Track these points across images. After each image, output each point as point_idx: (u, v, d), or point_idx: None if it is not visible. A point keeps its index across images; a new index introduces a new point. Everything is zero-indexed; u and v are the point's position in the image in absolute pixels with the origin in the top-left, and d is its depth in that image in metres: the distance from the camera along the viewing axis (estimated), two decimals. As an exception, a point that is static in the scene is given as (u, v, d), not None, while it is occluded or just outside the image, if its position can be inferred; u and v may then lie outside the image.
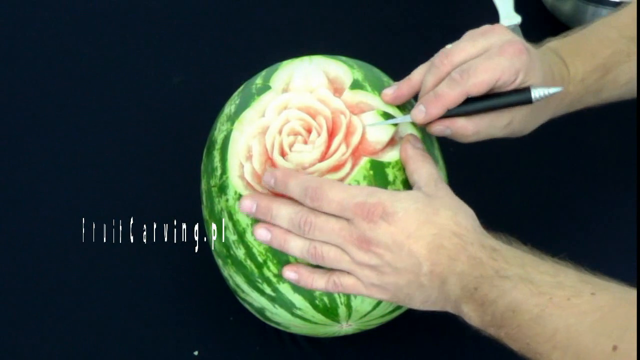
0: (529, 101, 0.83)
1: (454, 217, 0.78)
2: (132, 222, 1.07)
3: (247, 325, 0.96)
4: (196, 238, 0.99)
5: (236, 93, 0.93)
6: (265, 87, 0.89)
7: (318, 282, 0.81)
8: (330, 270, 0.81)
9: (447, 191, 0.81)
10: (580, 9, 1.15)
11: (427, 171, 0.82)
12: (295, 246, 0.81)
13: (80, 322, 0.99)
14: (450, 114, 0.84)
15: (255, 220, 0.83)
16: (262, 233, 0.81)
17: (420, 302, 0.79)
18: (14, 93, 1.20)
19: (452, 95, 0.82)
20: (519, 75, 0.82)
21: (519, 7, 1.21)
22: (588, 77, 0.89)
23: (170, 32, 1.25)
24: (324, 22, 1.25)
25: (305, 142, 0.85)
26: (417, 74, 0.87)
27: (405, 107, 0.89)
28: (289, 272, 0.82)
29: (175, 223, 1.05)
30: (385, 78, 0.92)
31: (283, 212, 0.81)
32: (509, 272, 0.74)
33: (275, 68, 0.91)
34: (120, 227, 1.06)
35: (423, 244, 0.77)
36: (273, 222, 0.81)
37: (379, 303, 0.84)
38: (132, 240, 1.05)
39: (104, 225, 1.06)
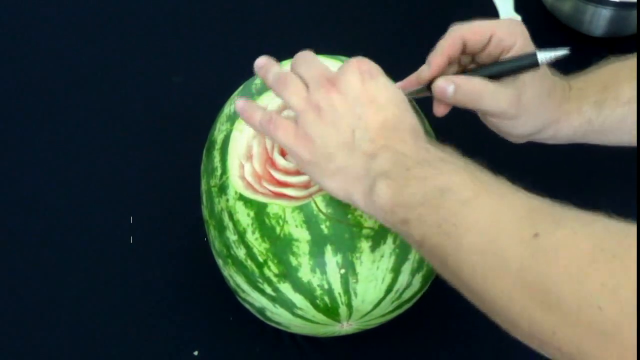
0: (535, 64, 0.81)
1: (419, 124, 0.77)
2: (131, 221, 1.07)
3: (247, 325, 0.96)
4: (196, 238, 1.00)
5: (236, 93, 0.93)
6: (265, 87, 0.89)
7: (257, 114, 0.80)
8: None
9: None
10: (580, 9, 1.15)
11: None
12: (256, 116, 0.80)
13: (80, 322, 0.99)
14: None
15: (257, 224, 0.83)
16: (239, 103, 0.82)
17: (335, 169, 0.76)
18: (13, 93, 1.20)
19: (449, 40, 0.82)
20: (517, 40, 0.82)
21: (519, 7, 1.21)
22: (587, 88, 0.88)
23: (170, 32, 1.25)
24: (324, 22, 1.25)
25: None
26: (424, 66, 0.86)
27: None
28: (239, 101, 0.82)
29: (175, 223, 1.06)
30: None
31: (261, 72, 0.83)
32: (455, 161, 0.73)
33: None
34: (120, 226, 1.06)
35: (381, 116, 0.75)
36: (267, 75, 0.82)
37: (379, 302, 0.84)
38: (132, 240, 1.05)
39: (104, 225, 1.07)
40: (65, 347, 0.98)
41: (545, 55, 0.81)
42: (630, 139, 0.89)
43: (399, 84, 0.86)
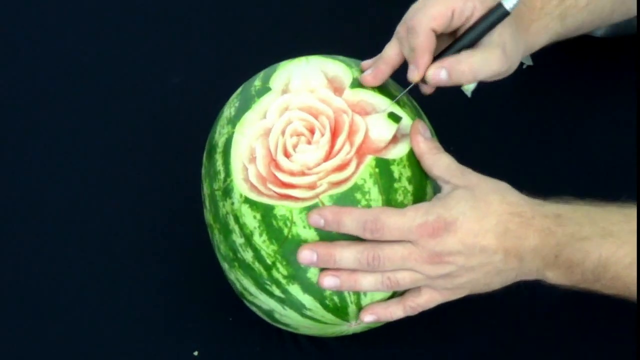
0: (506, 13, 0.83)
1: (504, 199, 0.80)
2: (131, 221, 1.07)
3: (247, 326, 0.96)
4: (196, 238, 0.99)
5: (234, 95, 0.92)
6: (265, 89, 0.89)
7: (396, 310, 0.84)
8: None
9: (476, 175, 0.83)
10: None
11: (445, 163, 0.83)
12: (368, 283, 0.82)
13: (80, 322, 0.99)
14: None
15: (264, 227, 0.83)
16: (329, 281, 0.82)
17: (499, 284, 0.83)
18: (13, 93, 1.20)
19: (422, 38, 0.83)
20: (476, 3, 0.84)
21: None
22: (547, 3, 0.90)
23: (169, 33, 1.25)
24: (323, 23, 1.25)
25: (309, 143, 0.85)
26: (389, 49, 0.88)
27: (406, 105, 0.89)
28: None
29: (175, 223, 1.06)
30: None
31: (346, 254, 0.81)
32: (585, 233, 0.78)
33: (274, 69, 0.91)
34: (120, 227, 1.06)
35: (491, 236, 0.79)
36: (337, 266, 0.81)
37: (388, 300, 0.85)
38: (131, 241, 1.05)
39: (104, 226, 1.06)
40: (65, 347, 0.98)
41: (511, 3, 0.83)
42: (589, 30, 0.97)
43: (367, 72, 0.88)
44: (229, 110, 0.90)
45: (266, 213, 0.82)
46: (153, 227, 1.06)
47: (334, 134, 0.85)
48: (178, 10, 1.27)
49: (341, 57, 0.92)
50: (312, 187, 0.83)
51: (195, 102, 1.14)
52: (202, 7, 1.27)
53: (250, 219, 0.83)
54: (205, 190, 0.89)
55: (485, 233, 0.79)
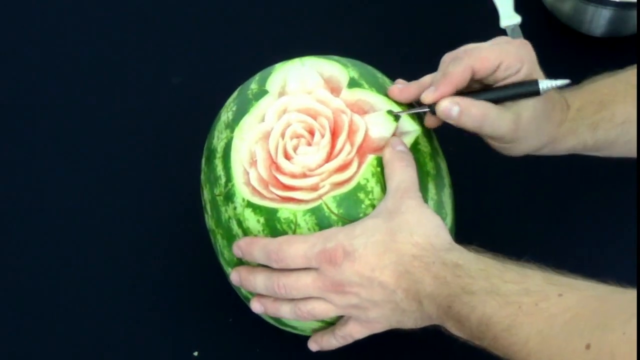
0: (536, 92, 0.83)
1: (411, 238, 0.78)
2: (131, 222, 1.07)
3: (247, 326, 0.96)
4: (196, 239, 0.99)
5: (231, 99, 0.92)
6: (262, 92, 0.89)
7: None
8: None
9: (411, 203, 0.80)
10: (580, 9, 1.15)
11: (399, 177, 0.81)
12: (285, 311, 0.84)
13: (80, 322, 0.99)
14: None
15: (268, 230, 0.83)
16: (256, 306, 0.86)
17: (412, 323, 0.81)
18: (13, 93, 1.20)
19: (458, 70, 0.82)
20: (524, 64, 0.83)
21: (519, 7, 1.22)
22: (584, 108, 0.90)
23: (169, 33, 1.25)
24: (322, 23, 1.25)
25: (309, 144, 0.85)
26: (427, 77, 0.87)
27: (402, 104, 0.88)
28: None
29: (175, 223, 1.06)
30: (380, 75, 0.92)
31: (258, 281, 0.83)
32: (475, 287, 0.74)
33: (269, 72, 0.91)
34: (119, 227, 1.06)
35: (389, 273, 0.78)
36: (255, 291, 0.85)
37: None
38: (131, 241, 1.05)
39: (103, 226, 1.06)
40: (65, 347, 0.98)
41: (546, 84, 0.83)
42: (622, 154, 0.93)
43: (397, 86, 0.87)
44: (226, 114, 0.90)
45: (270, 216, 0.82)
46: (153, 228, 1.06)
47: (334, 135, 0.85)
48: (178, 10, 1.28)
49: (336, 57, 0.92)
50: (314, 188, 0.82)
51: (195, 102, 1.14)
52: (202, 8, 1.28)
53: (254, 223, 0.83)
54: (206, 195, 0.89)
55: (382, 269, 0.78)
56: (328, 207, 0.81)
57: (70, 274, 1.03)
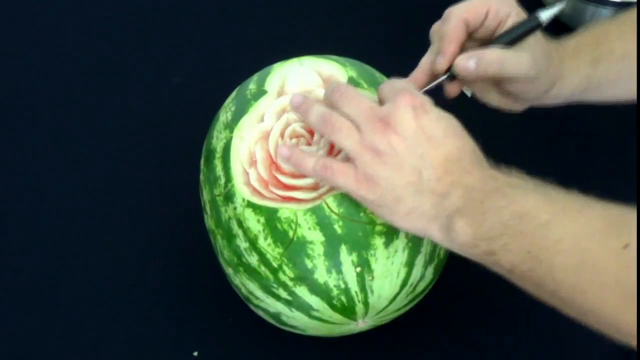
0: (538, 25, 0.83)
1: (471, 139, 0.78)
2: (131, 222, 1.07)
3: (247, 326, 0.96)
4: (196, 239, 0.99)
5: (229, 100, 0.92)
6: (261, 92, 0.89)
7: (307, 161, 0.80)
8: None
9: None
10: (580, 9, 1.15)
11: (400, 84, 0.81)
12: (308, 163, 0.80)
13: (80, 322, 0.99)
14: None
15: (269, 230, 0.82)
16: (283, 150, 0.82)
17: (406, 211, 0.77)
18: (13, 93, 1.20)
19: (452, 26, 0.83)
20: (512, 8, 0.84)
21: (519, 7, 1.21)
22: (581, 47, 0.90)
23: (169, 33, 1.26)
24: (322, 23, 1.25)
25: (309, 144, 0.85)
26: (424, 58, 0.87)
27: None
28: (283, 149, 0.82)
29: (174, 223, 1.06)
30: (378, 74, 0.92)
31: (315, 108, 0.80)
32: (523, 184, 0.74)
33: (268, 72, 0.91)
34: (119, 227, 1.06)
35: (442, 152, 0.75)
36: (307, 121, 0.81)
37: (395, 297, 0.84)
38: (131, 242, 1.05)
39: (103, 226, 1.07)
40: (65, 347, 0.98)
41: (546, 14, 0.84)
42: (624, 94, 0.92)
43: (410, 78, 0.86)
44: (225, 115, 0.90)
45: (270, 216, 0.82)
46: (153, 228, 1.06)
47: None
48: (178, 10, 1.28)
49: (334, 57, 0.92)
50: (315, 188, 0.83)
51: (195, 102, 1.14)
52: (202, 8, 1.28)
53: (254, 223, 0.83)
54: (206, 196, 0.89)
55: (439, 146, 0.75)
56: (329, 207, 0.81)
57: (70, 274, 1.03)
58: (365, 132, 0.77)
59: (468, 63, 0.82)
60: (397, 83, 0.80)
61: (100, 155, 1.13)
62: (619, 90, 0.91)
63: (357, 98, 0.78)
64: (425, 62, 0.87)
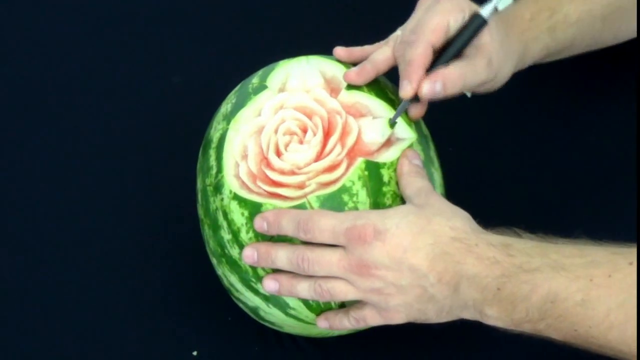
0: (484, 22, 0.84)
1: (449, 222, 0.77)
2: (131, 222, 1.07)
3: (246, 325, 0.96)
4: (195, 238, 0.99)
5: (232, 92, 0.93)
6: (262, 87, 0.89)
7: (340, 321, 0.83)
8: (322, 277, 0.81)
9: (439, 199, 0.80)
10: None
11: (418, 185, 0.81)
12: (302, 289, 0.81)
13: (78, 322, 0.99)
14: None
15: (251, 224, 0.83)
16: (269, 284, 0.82)
17: (435, 314, 0.79)
18: (13, 93, 1.20)
19: (419, 52, 0.83)
20: (465, 9, 0.84)
21: (471, 3, 1.21)
22: (537, 16, 0.91)
23: (170, 33, 1.26)
24: (322, 23, 1.25)
25: (301, 142, 0.85)
26: (379, 54, 0.88)
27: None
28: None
29: (174, 223, 1.06)
30: (382, 78, 0.91)
31: (280, 253, 0.81)
32: (534, 264, 0.73)
33: (272, 68, 0.91)
34: (118, 226, 1.06)
35: (422, 255, 0.76)
36: (274, 266, 0.81)
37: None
38: (131, 241, 1.05)
39: (102, 225, 1.07)
40: (64, 347, 0.98)
41: (487, 10, 0.84)
42: (581, 50, 0.98)
43: (358, 68, 0.87)
44: (225, 106, 0.91)
45: (254, 210, 0.82)
46: (153, 228, 1.06)
47: (327, 135, 0.85)
48: (178, 10, 1.28)
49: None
50: (300, 186, 0.83)
51: (195, 102, 1.14)
52: (203, 7, 1.28)
53: (238, 216, 0.83)
54: (199, 185, 0.90)
55: (416, 251, 0.75)
56: (311, 206, 0.81)
57: (70, 274, 1.03)
58: (356, 283, 0.79)
59: (435, 88, 0.83)
60: (329, 223, 0.79)
61: (100, 155, 1.13)
62: (577, 49, 0.95)
63: (322, 258, 0.79)
64: (377, 58, 0.88)
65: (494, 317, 0.75)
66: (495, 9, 0.84)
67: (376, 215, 0.77)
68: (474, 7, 0.85)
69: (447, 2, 0.85)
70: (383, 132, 0.85)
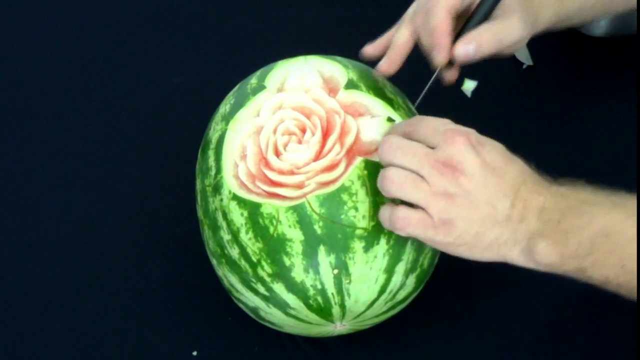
0: None
1: (524, 166, 0.79)
2: (131, 222, 1.07)
3: (246, 325, 0.96)
4: (194, 238, 0.99)
5: (231, 93, 0.93)
6: (260, 87, 0.89)
7: (381, 214, 0.80)
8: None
9: None
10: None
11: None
12: (384, 214, 0.80)
13: (78, 322, 0.99)
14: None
15: (251, 224, 0.83)
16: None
17: (486, 244, 0.78)
18: (13, 93, 1.20)
19: (440, 18, 0.84)
20: None
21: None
22: None
23: (170, 33, 1.26)
24: (322, 23, 1.25)
25: (300, 142, 0.85)
26: (400, 35, 0.89)
27: (400, 108, 0.88)
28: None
29: (173, 223, 1.06)
30: (380, 78, 0.91)
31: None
32: (597, 200, 0.75)
33: (271, 68, 0.91)
34: (118, 226, 1.06)
35: (509, 178, 0.77)
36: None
37: (373, 303, 0.84)
38: (130, 240, 1.05)
39: (102, 225, 1.07)
40: (64, 348, 0.98)
41: None
42: (592, 18, 1.00)
43: (385, 61, 0.89)
44: (224, 107, 0.91)
45: (253, 211, 0.82)
46: (153, 228, 1.06)
47: (325, 135, 0.85)
48: (178, 10, 1.28)
49: (339, 58, 0.92)
50: (300, 186, 0.83)
51: (196, 102, 1.14)
52: (203, 7, 1.28)
53: (238, 216, 0.83)
54: (198, 185, 0.90)
55: (504, 173, 0.76)
56: (310, 206, 0.81)
57: (70, 274, 1.03)
58: (432, 180, 0.77)
59: (468, 49, 0.84)
60: (435, 122, 0.80)
61: (100, 155, 1.13)
62: (588, 15, 0.96)
63: (410, 148, 0.78)
64: (400, 40, 0.88)
65: (544, 252, 0.76)
66: None
67: (480, 136, 0.79)
68: None
69: None
70: (382, 131, 0.85)
